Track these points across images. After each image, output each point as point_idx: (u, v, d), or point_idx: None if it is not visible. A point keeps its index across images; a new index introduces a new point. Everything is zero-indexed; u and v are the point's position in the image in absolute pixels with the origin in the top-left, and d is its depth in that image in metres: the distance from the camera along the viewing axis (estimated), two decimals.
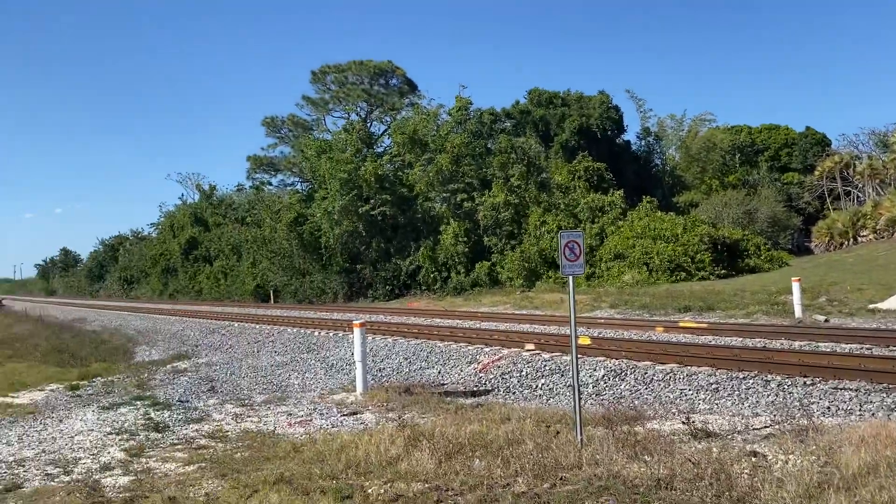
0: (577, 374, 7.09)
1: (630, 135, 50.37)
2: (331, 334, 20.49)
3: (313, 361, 16.78)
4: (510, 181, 38.16)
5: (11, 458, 8.26)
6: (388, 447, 7.08)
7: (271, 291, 49.26)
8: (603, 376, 11.60)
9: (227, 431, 9.33)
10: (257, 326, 25.41)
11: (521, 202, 38.09)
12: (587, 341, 13.69)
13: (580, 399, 7.07)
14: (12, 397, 13.27)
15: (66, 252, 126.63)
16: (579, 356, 7.55)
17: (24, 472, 7.62)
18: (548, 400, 11.27)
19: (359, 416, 10.05)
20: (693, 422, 7.48)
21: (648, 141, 51.43)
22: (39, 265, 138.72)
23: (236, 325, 27.03)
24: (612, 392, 11.02)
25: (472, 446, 6.93)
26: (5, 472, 7.62)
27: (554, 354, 13.31)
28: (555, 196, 38.50)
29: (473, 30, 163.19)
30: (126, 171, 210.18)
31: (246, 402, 11.93)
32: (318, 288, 44.04)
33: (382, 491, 5.80)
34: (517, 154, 39.26)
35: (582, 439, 6.82)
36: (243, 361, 17.96)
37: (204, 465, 7.41)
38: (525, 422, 7.97)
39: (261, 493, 5.89)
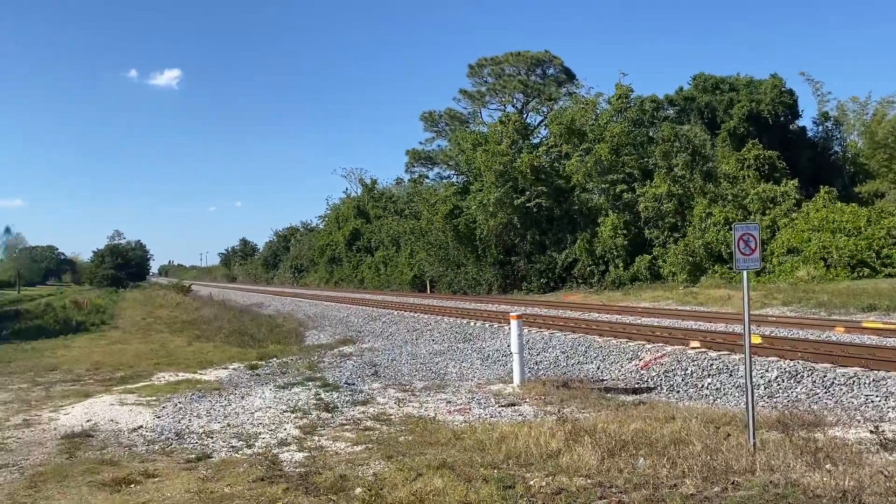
0: (751, 373, 6.70)
1: (805, 120, 46.72)
2: (486, 325, 20.73)
3: (469, 351, 17.06)
4: (673, 171, 36.59)
5: (201, 430, 9.07)
6: (548, 440, 7.06)
7: (428, 282, 50.56)
8: (776, 377, 10.91)
9: (391, 415, 9.71)
10: (415, 315, 26.21)
11: (685, 193, 36.43)
12: (758, 340, 12.93)
13: (753, 400, 6.69)
14: (200, 374, 14.53)
15: (244, 242, 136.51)
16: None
17: (213, 443, 8.35)
18: (714, 400, 10.77)
19: (516, 407, 10.10)
20: (882, 431, 6.88)
21: (826, 126, 47.34)
22: (222, 254, 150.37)
23: (395, 313, 28.02)
24: (786, 395, 10.34)
25: (635, 444, 6.76)
26: (196, 443, 8.38)
27: (721, 353, 12.69)
28: (722, 186, 36.46)
29: (633, 14, 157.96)
30: (297, 167, 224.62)
31: (407, 387, 12.36)
32: (473, 279, 44.61)
33: (544, 483, 5.79)
34: (681, 142, 37.53)
35: (755, 443, 6.45)
36: (403, 348, 18.58)
37: (371, 445, 7.76)
38: (691, 422, 7.67)
39: (425, 476, 6.07)
